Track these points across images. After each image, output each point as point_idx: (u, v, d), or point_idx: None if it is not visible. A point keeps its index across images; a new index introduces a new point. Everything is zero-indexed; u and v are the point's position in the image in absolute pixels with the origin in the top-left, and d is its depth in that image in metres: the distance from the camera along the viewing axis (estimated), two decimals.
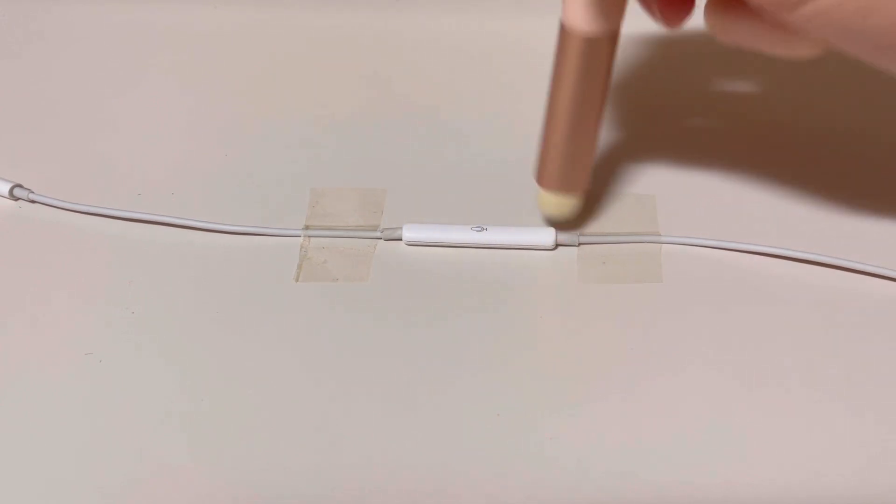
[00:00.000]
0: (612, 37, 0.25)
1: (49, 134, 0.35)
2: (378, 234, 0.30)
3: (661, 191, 0.31)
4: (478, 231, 0.29)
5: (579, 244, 0.29)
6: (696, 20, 0.25)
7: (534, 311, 0.28)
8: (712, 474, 0.24)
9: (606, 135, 0.33)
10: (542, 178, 0.28)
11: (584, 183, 0.29)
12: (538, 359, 0.27)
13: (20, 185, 0.32)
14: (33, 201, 0.32)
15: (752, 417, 0.25)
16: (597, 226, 0.30)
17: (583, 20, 0.25)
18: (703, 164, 0.31)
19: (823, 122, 0.33)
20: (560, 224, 0.29)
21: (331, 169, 0.32)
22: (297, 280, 0.29)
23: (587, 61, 0.25)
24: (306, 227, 0.30)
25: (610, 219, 0.30)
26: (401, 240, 0.30)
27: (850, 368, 0.26)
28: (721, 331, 0.27)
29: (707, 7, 0.24)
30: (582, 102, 0.26)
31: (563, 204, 0.29)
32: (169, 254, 0.30)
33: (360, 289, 0.29)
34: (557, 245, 0.29)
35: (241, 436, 0.25)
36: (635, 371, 0.26)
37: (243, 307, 0.28)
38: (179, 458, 0.25)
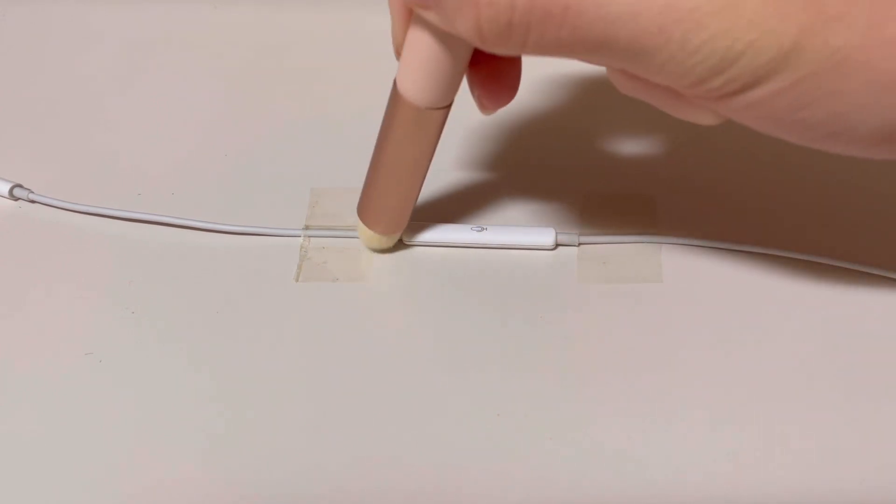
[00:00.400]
0: (444, 110, 0.25)
1: (49, 134, 0.35)
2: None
3: (661, 191, 0.31)
4: (478, 231, 0.29)
5: (579, 244, 0.29)
6: None
7: (534, 311, 0.28)
8: (712, 474, 0.24)
9: (607, 134, 0.33)
10: (363, 216, 0.29)
11: (401, 227, 0.29)
12: (538, 359, 0.27)
13: (20, 185, 0.32)
14: (33, 201, 0.32)
15: (752, 417, 0.25)
16: (597, 226, 0.30)
17: (418, 93, 0.25)
18: (703, 164, 0.31)
19: None
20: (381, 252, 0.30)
21: (331, 169, 0.32)
22: (297, 280, 0.29)
23: (417, 128, 0.26)
24: (306, 227, 0.30)
25: (610, 219, 0.30)
26: (401, 240, 0.30)
27: (850, 368, 0.26)
28: (721, 331, 0.27)
29: (609, 75, 0.24)
30: (406, 163, 0.27)
31: (379, 241, 0.29)
32: (169, 254, 0.30)
33: (360, 289, 0.29)
34: (557, 245, 0.29)
35: (240, 435, 0.25)
36: (635, 371, 0.26)
37: (243, 307, 0.28)
38: (179, 458, 0.25)
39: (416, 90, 0.25)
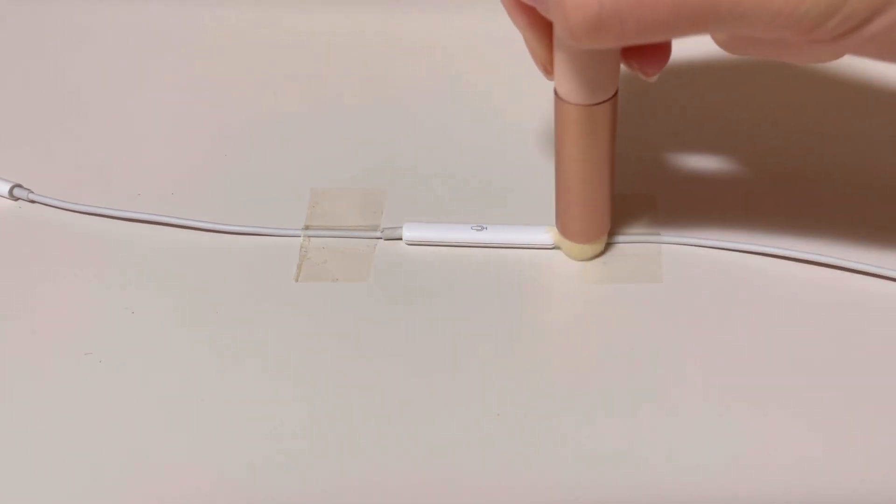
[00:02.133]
0: (613, 100, 0.25)
1: (49, 134, 0.35)
2: (378, 234, 0.30)
3: (661, 191, 0.31)
4: (478, 230, 0.29)
5: None
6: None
7: (534, 310, 0.28)
8: (712, 474, 0.24)
9: None
10: (566, 232, 0.28)
11: (605, 228, 0.29)
12: (538, 358, 0.27)
13: (20, 185, 0.32)
14: (33, 201, 0.32)
15: (752, 417, 0.25)
16: None
17: (581, 94, 0.25)
18: (703, 164, 0.31)
19: (823, 122, 0.33)
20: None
21: (331, 169, 0.32)
22: (297, 280, 0.29)
23: (592, 126, 0.25)
24: (306, 227, 0.30)
25: (610, 219, 0.30)
26: (401, 239, 0.30)
27: (850, 368, 0.26)
28: (721, 331, 0.27)
29: (715, 40, 0.24)
30: (591, 164, 0.27)
31: (587, 250, 0.29)
32: (169, 254, 0.30)
33: (360, 289, 0.29)
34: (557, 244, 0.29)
35: (240, 435, 0.25)
36: (635, 371, 0.26)
37: (243, 307, 0.28)
38: (179, 458, 0.25)
39: (579, 91, 0.25)
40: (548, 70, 0.25)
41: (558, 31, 0.21)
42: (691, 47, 0.35)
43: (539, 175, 0.32)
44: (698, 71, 0.34)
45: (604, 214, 0.28)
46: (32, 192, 0.32)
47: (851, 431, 0.25)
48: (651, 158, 0.32)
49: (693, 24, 0.21)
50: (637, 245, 0.29)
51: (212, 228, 0.30)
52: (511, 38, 0.37)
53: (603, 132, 0.26)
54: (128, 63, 0.37)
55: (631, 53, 0.25)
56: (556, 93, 0.25)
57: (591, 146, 0.26)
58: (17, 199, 0.32)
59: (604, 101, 0.25)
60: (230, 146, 0.34)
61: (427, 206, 0.31)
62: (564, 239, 0.29)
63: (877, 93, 0.33)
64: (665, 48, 0.25)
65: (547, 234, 0.29)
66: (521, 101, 0.34)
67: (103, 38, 0.38)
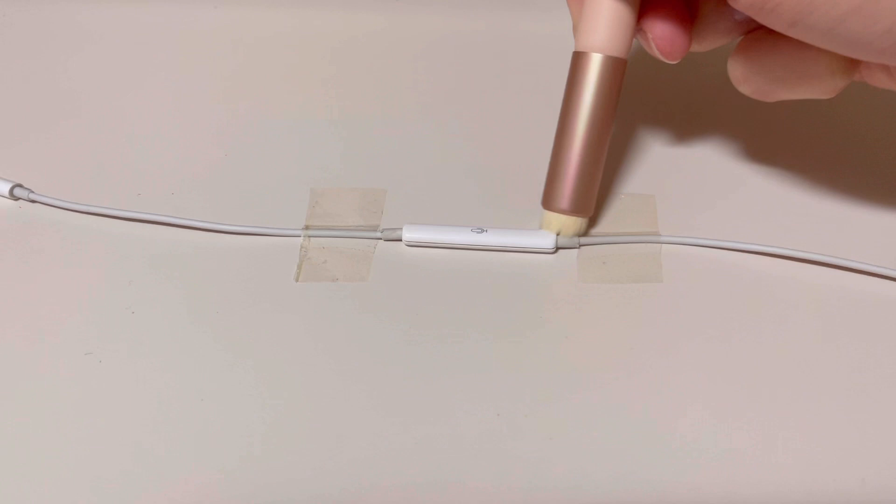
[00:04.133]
0: (623, 63, 0.27)
1: (49, 134, 0.35)
2: (378, 234, 0.30)
3: (661, 191, 0.31)
4: (478, 232, 0.29)
5: (580, 246, 0.29)
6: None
7: (534, 311, 0.28)
8: (712, 474, 0.24)
9: None
10: (553, 202, 0.29)
11: (593, 204, 0.29)
12: (538, 359, 0.27)
13: (20, 185, 0.32)
14: (33, 201, 0.32)
15: (752, 417, 0.25)
16: (597, 226, 0.30)
17: (601, 42, 0.27)
18: (703, 164, 0.31)
19: (823, 121, 0.33)
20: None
21: (331, 169, 0.32)
22: (297, 280, 0.29)
23: (604, 82, 0.27)
24: (306, 227, 0.30)
25: (610, 219, 0.30)
26: (401, 240, 0.30)
27: (850, 368, 0.26)
28: (721, 331, 0.27)
29: (733, 54, 0.25)
30: (598, 124, 0.28)
31: (571, 225, 0.29)
32: (169, 254, 0.30)
33: (360, 289, 0.29)
34: (558, 248, 0.29)
35: (240, 435, 0.25)
36: (635, 371, 0.26)
37: (243, 307, 0.28)
38: (179, 458, 0.25)
39: (602, 40, 0.27)
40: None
41: None
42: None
43: (540, 178, 0.32)
44: (699, 70, 0.34)
45: (595, 187, 0.29)
46: (33, 192, 0.32)
47: (851, 431, 0.25)
48: (651, 158, 0.32)
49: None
50: (637, 245, 0.29)
51: (212, 228, 0.30)
52: (512, 38, 0.37)
53: (612, 93, 0.27)
54: (128, 63, 0.37)
55: (651, 24, 0.26)
56: (575, 53, 0.27)
57: (604, 104, 0.27)
58: (17, 198, 0.32)
59: (621, 60, 0.27)
60: (230, 146, 0.34)
61: (427, 206, 0.31)
62: (549, 213, 0.29)
63: (880, 92, 0.33)
64: (685, 30, 0.26)
65: (547, 238, 0.29)
66: (521, 102, 0.34)
67: (103, 38, 0.38)
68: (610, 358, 0.27)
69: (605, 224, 0.30)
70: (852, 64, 0.25)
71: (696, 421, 0.25)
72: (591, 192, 0.29)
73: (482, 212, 0.31)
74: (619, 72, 0.27)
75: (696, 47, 0.27)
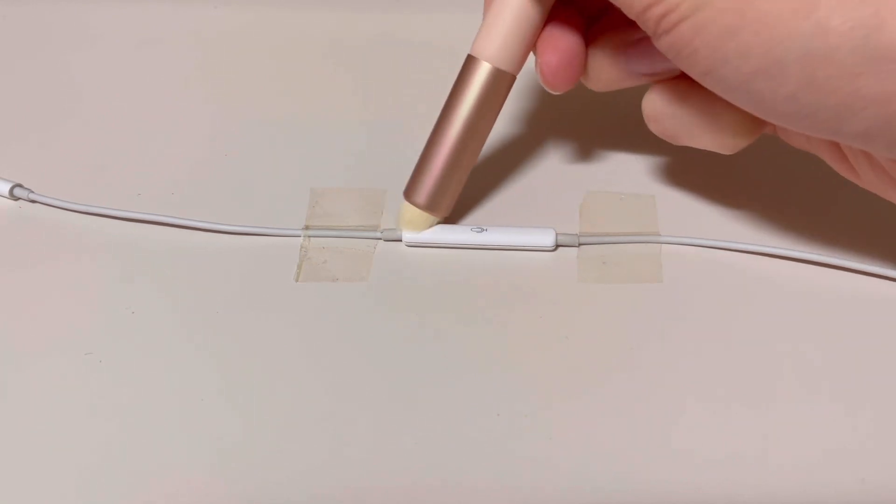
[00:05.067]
0: (512, 78, 0.28)
1: (49, 134, 0.35)
2: (378, 234, 0.30)
3: (661, 191, 0.31)
4: (478, 232, 0.29)
5: (579, 245, 0.29)
6: None
7: (534, 311, 0.28)
8: (712, 474, 0.24)
9: (607, 134, 0.33)
10: (411, 195, 0.29)
11: (449, 206, 0.29)
12: (538, 359, 0.27)
13: (20, 185, 0.32)
14: (33, 201, 0.32)
15: (752, 417, 0.25)
16: (597, 226, 0.30)
17: (494, 53, 0.27)
18: (703, 164, 0.31)
19: None
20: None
21: (331, 169, 0.32)
22: (297, 280, 0.29)
23: (486, 92, 0.28)
24: (306, 227, 0.30)
25: (610, 219, 0.30)
26: (401, 240, 0.30)
27: (850, 368, 0.26)
28: (721, 331, 0.27)
29: (648, 93, 0.27)
30: (472, 130, 0.28)
31: (423, 221, 0.29)
32: (169, 254, 0.30)
33: (360, 289, 0.29)
34: (558, 246, 0.29)
35: (240, 435, 0.25)
36: (635, 371, 0.26)
37: (243, 307, 0.28)
38: (179, 458, 0.25)
39: (493, 50, 0.27)
40: None
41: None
42: None
43: (539, 177, 0.32)
44: None
45: (456, 191, 0.29)
46: (33, 192, 0.32)
47: (851, 431, 0.25)
48: (651, 158, 0.32)
49: None
50: (637, 245, 0.29)
51: (212, 228, 0.30)
52: None
53: (494, 105, 0.28)
54: (128, 63, 0.37)
55: (545, 48, 0.27)
56: (469, 56, 0.28)
57: (484, 113, 0.28)
58: (17, 198, 0.32)
59: (509, 74, 0.28)
60: (230, 146, 0.34)
61: None
62: (406, 203, 0.29)
63: None
64: (576, 63, 0.27)
65: (547, 236, 0.29)
66: (521, 102, 0.34)
67: (103, 38, 0.38)
68: (610, 358, 0.27)
69: (605, 224, 0.30)
70: (757, 126, 0.26)
71: (695, 421, 0.25)
72: (451, 193, 0.29)
73: (482, 211, 0.31)
74: (506, 85, 0.28)
75: (593, 86, 0.28)
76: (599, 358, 0.27)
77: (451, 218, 0.30)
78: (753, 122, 0.26)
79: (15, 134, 0.35)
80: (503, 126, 0.34)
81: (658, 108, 0.27)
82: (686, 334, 0.27)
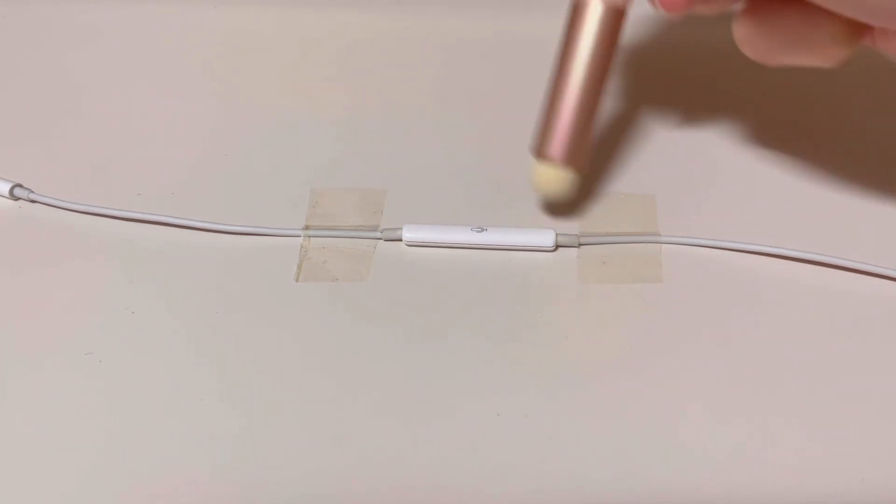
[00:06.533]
0: (623, 10, 0.27)
1: (49, 134, 0.35)
2: (378, 234, 0.30)
3: (661, 191, 0.31)
4: (478, 232, 0.29)
5: (579, 245, 0.29)
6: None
7: (534, 311, 0.28)
8: (712, 474, 0.24)
9: (607, 134, 0.33)
10: (545, 150, 0.28)
11: (587, 158, 0.28)
12: (538, 359, 0.27)
13: (20, 185, 0.32)
14: (33, 201, 0.32)
15: (752, 417, 0.25)
16: (597, 226, 0.30)
17: None
18: (703, 164, 0.31)
19: (824, 121, 0.33)
20: (555, 209, 0.29)
21: (331, 169, 0.32)
22: (297, 280, 0.29)
23: (603, 31, 0.27)
24: (306, 227, 0.30)
25: (610, 219, 0.30)
26: (401, 240, 0.30)
27: (850, 368, 0.26)
28: (721, 331, 0.27)
29: (740, 14, 0.25)
30: (595, 72, 0.27)
31: (562, 179, 0.28)
32: (169, 254, 0.30)
33: (360, 289, 0.29)
34: (558, 246, 0.29)
35: (240, 435, 0.25)
36: (635, 371, 0.26)
37: (243, 307, 0.28)
38: (179, 458, 0.25)
39: None
40: None
41: None
42: (692, 47, 0.35)
43: None
44: (698, 70, 0.34)
45: (589, 139, 0.28)
46: (33, 192, 0.32)
47: (851, 431, 0.25)
48: (651, 158, 0.32)
49: None
50: (637, 245, 0.29)
51: (212, 228, 0.30)
52: (512, 38, 0.37)
53: (611, 41, 0.27)
54: (128, 63, 0.37)
55: None
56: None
57: (602, 54, 0.27)
58: (17, 198, 0.32)
59: (619, 10, 0.27)
60: (230, 146, 0.34)
61: (427, 206, 0.31)
62: (541, 166, 0.28)
63: (880, 92, 0.33)
64: None
65: (547, 236, 0.29)
66: (521, 102, 0.34)
67: (103, 38, 0.38)
68: (610, 358, 0.27)
69: (605, 224, 0.30)
70: (857, 33, 0.25)
71: (695, 421, 0.25)
72: (585, 143, 0.28)
73: (482, 211, 0.31)
74: (617, 21, 0.27)
75: (703, 9, 0.27)
76: (599, 358, 0.27)
77: (452, 217, 0.30)
78: (853, 28, 0.25)
79: (15, 134, 0.35)
80: (503, 126, 0.34)
81: (750, 30, 0.26)
82: (686, 334, 0.27)
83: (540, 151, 0.28)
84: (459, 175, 0.32)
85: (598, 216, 0.30)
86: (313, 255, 0.30)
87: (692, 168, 0.31)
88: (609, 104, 0.33)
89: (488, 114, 0.34)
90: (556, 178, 0.28)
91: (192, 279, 0.29)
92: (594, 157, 0.32)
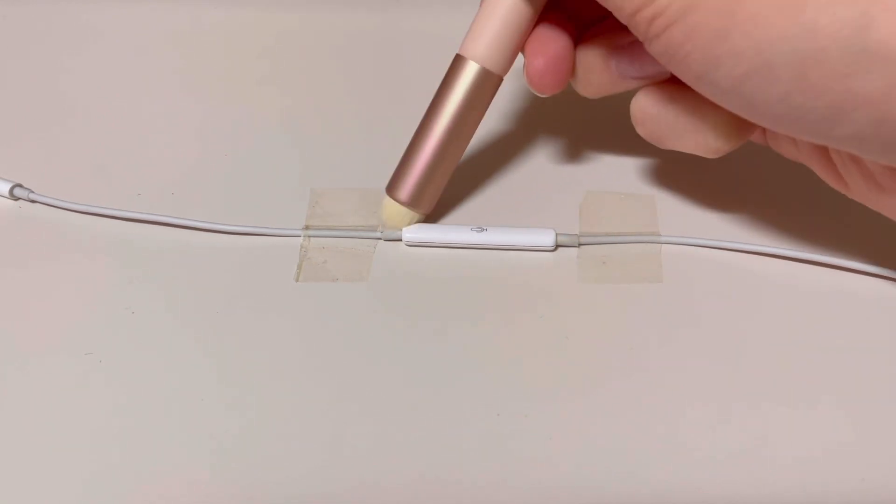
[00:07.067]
0: (499, 80, 0.28)
1: (49, 134, 0.35)
2: (378, 234, 0.30)
3: (661, 191, 0.31)
4: (478, 232, 0.29)
5: (579, 245, 0.29)
6: None
7: (534, 311, 0.28)
8: (712, 474, 0.24)
9: (607, 134, 0.33)
10: (395, 191, 0.29)
11: (433, 202, 0.30)
12: (538, 359, 0.27)
13: (20, 185, 0.32)
14: (33, 201, 0.32)
15: (752, 417, 0.25)
16: (597, 226, 0.30)
17: (483, 53, 0.28)
18: (703, 164, 0.31)
19: None
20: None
21: (331, 169, 0.32)
22: (297, 280, 0.29)
23: (475, 92, 0.28)
24: (306, 227, 0.30)
25: (610, 219, 0.30)
26: (401, 240, 0.30)
27: (850, 368, 0.26)
28: (721, 330, 0.27)
29: (637, 96, 0.27)
30: (457, 130, 0.29)
31: (407, 217, 0.30)
32: (169, 254, 0.30)
33: (360, 289, 0.29)
34: (558, 246, 0.29)
35: (240, 436, 0.25)
36: (635, 371, 0.26)
37: (243, 307, 0.28)
38: (179, 458, 0.25)
39: (481, 50, 0.28)
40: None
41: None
42: None
43: (539, 177, 0.32)
44: None
45: (439, 188, 0.30)
46: (33, 192, 0.32)
47: (851, 431, 0.25)
48: (651, 158, 0.32)
49: None
50: (637, 245, 0.29)
51: (211, 228, 0.30)
52: None
53: (480, 106, 0.29)
54: (128, 63, 0.37)
55: (533, 49, 0.28)
56: (457, 55, 0.28)
57: (469, 113, 0.29)
58: (17, 198, 0.32)
59: (496, 75, 0.28)
60: (230, 146, 0.34)
61: None
62: (389, 199, 0.29)
63: None
64: (563, 66, 0.28)
65: (547, 236, 0.29)
66: (520, 102, 0.34)
67: (104, 38, 0.38)
68: (610, 358, 0.27)
69: (605, 224, 0.30)
70: (744, 130, 0.26)
71: (696, 421, 0.25)
72: (432, 191, 0.29)
73: (482, 211, 0.31)
74: (492, 86, 0.28)
75: (583, 91, 0.28)
76: (599, 358, 0.27)
77: (452, 217, 0.30)
78: (740, 126, 0.26)
79: (15, 134, 0.35)
80: (503, 126, 0.34)
81: (646, 111, 0.27)
82: (686, 334, 0.27)
83: (390, 189, 0.29)
84: (459, 175, 0.32)
85: (598, 216, 0.30)
86: (313, 255, 0.30)
87: (692, 168, 0.31)
88: (609, 104, 0.33)
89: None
90: (400, 215, 0.30)
91: (192, 279, 0.29)
92: (594, 156, 0.33)
